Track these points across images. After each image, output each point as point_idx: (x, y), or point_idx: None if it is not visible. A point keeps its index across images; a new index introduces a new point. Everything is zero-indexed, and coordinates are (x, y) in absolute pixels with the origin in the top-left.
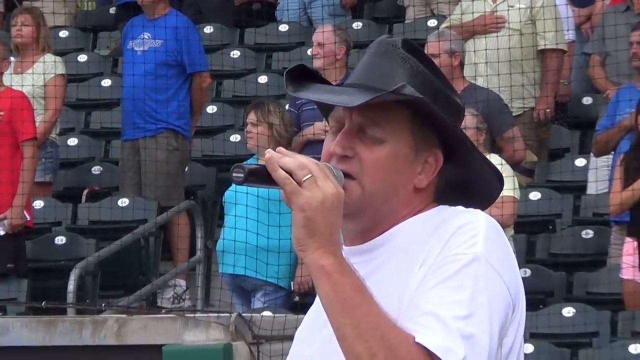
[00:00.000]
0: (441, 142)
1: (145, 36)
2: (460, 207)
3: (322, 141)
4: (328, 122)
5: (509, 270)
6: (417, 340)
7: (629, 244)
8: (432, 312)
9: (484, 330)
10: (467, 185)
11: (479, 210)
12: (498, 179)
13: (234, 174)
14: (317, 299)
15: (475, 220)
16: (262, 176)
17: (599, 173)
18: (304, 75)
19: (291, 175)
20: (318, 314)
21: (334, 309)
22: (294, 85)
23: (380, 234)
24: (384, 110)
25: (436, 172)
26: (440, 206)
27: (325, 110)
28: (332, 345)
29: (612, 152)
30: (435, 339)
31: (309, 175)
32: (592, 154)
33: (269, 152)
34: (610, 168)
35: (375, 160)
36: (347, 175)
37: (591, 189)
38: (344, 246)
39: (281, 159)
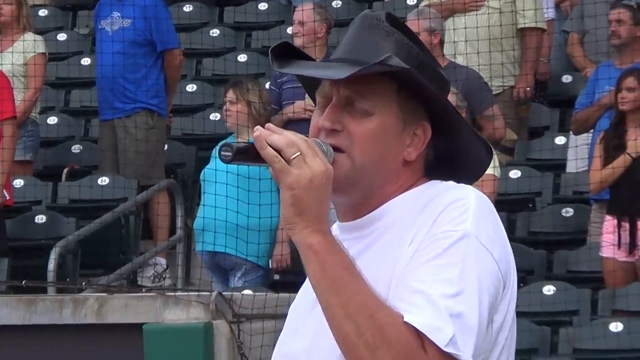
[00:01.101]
0: (429, 115)
1: (115, 15)
2: (451, 183)
3: (302, 120)
4: (312, 99)
5: (499, 246)
6: (405, 319)
7: (609, 222)
8: (421, 291)
9: (473, 308)
10: (456, 158)
11: (469, 186)
12: (486, 149)
13: (222, 153)
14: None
15: (466, 197)
16: (250, 154)
17: (578, 151)
18: (289, 53)
19: (280, 153)
20: (310, 291)
21: (322, 288)
22: (279, 62)
23: (372, 209)
24: (370, 82)
25: (425, 145)
26: (432, 181)
27: (309, 87)
28: (325, 323)
29: (592, 130)
30: (423, 318)
31: (298, 153)
32: (571, 132)
33: (258, 130)
34: (590, 146)
35: (364, 133)
36: (336, 148)
37: (571, 167)
38: (337, 221)
39: (270, 137)
